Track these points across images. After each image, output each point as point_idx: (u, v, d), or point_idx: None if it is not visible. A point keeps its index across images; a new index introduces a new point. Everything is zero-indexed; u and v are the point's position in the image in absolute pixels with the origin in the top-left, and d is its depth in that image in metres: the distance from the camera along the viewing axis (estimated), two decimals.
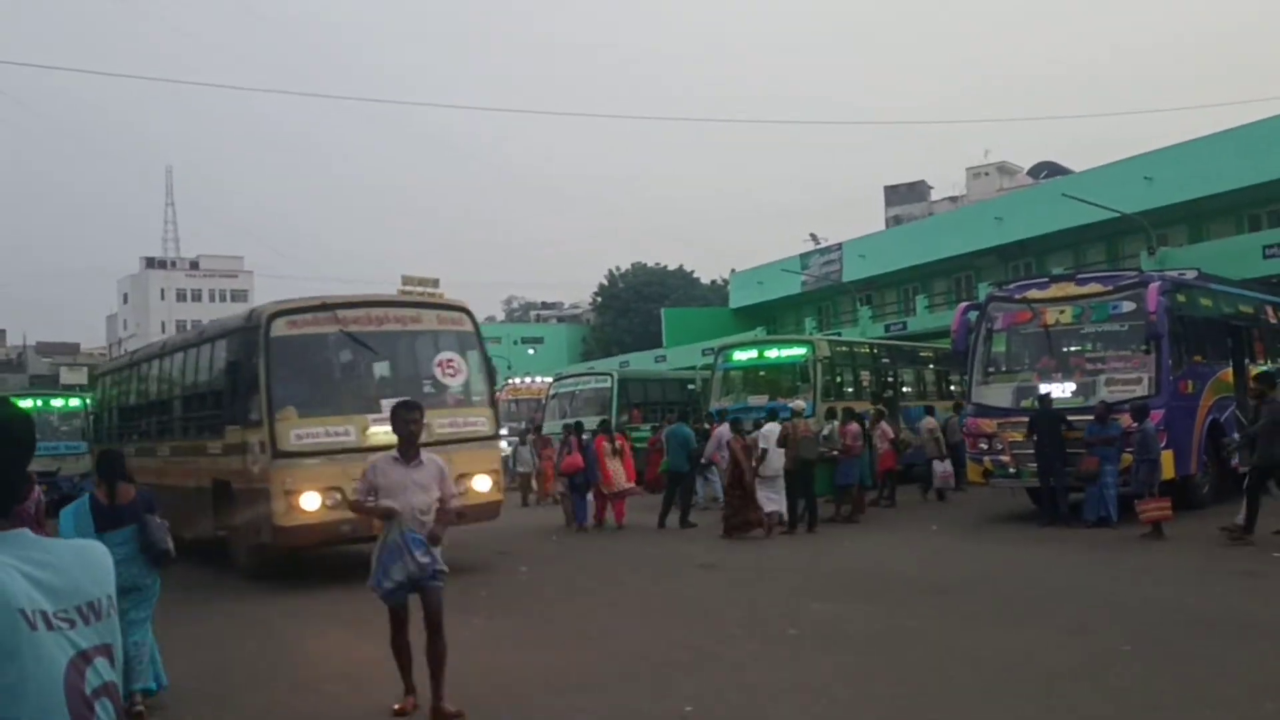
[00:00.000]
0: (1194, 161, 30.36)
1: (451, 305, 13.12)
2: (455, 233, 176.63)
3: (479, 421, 12.42)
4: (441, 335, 12.59)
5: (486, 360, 12.85)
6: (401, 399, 6.72)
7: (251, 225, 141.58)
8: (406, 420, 6.06)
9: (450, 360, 12.41)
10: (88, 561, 1.96)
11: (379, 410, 10.99)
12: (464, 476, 11.19)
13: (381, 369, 12.63)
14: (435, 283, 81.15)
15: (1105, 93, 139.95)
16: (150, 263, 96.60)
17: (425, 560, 5.92)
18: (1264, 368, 15.83)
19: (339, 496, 10.86)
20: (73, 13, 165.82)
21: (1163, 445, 12.91)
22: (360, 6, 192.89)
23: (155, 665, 6.61)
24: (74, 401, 28.02)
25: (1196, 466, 14.12)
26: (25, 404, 27.00)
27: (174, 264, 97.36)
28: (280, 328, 11.53)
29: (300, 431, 11.15)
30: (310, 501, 11.02)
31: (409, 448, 6.05)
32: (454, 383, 12.49)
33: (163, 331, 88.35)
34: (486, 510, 11.95)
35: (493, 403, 13.00)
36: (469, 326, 12.74)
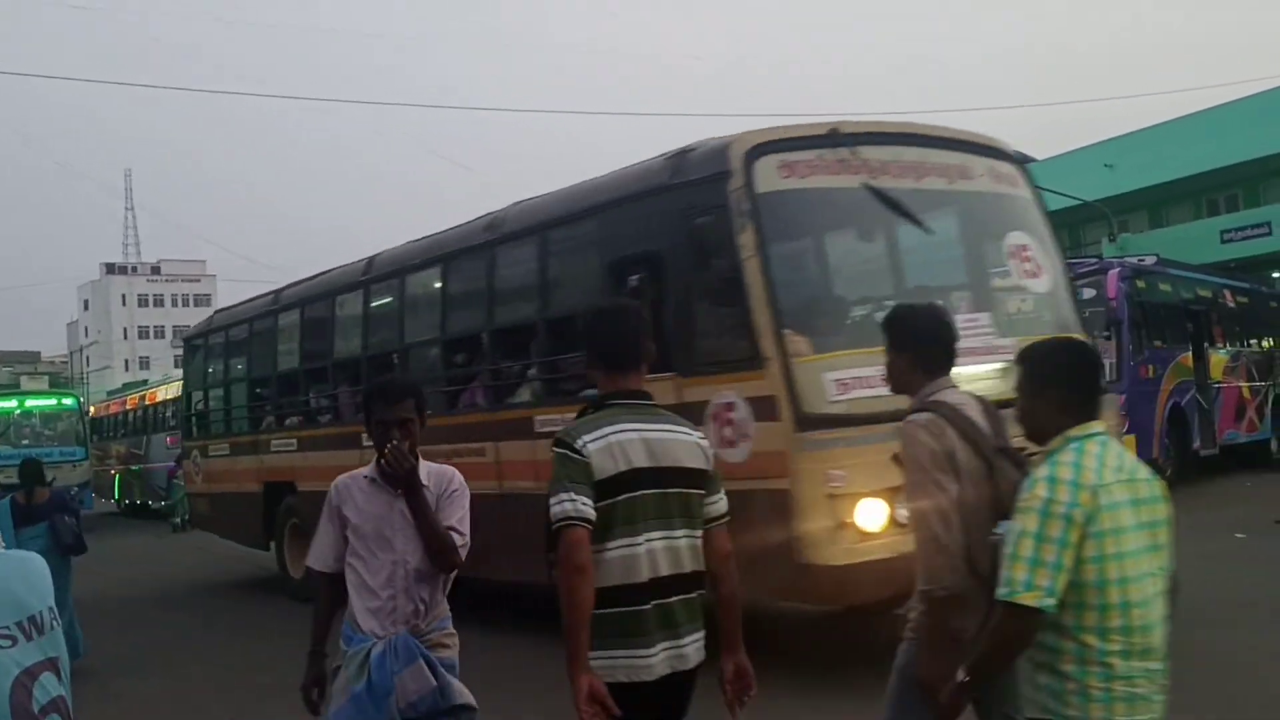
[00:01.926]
0: (1154, 147, 30.64)
1: (1003, 151, 7.55)
2: (418, 231, 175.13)
3: None
4: (1005, 201, 7.29)
5: (1056, 250, 7.50)
6: (383, 379, 4.24)
7: (214, 229, 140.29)
8: (389, 417, 3.36)
9: (1025, 249, 6.99)
10: (26, 574, 1.88)
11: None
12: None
13: (922, 255, 7.06)
14: None
15: (1073, 79, 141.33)
16: (111, 268, 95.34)
17: (429, 688, 3.22)
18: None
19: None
20: (22, 16, 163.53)
21: (1125, 430, 12.98)
22: (347, 7, 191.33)
23: (75, 639, 7.18)
24: (65, 401, 25.16)
25: (1159, 450, 14.24)
26: (4, 404, 24.68)
27: (135, 269, 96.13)
28: (770, 175, 6.20)
29: (840, 376, 5.80)
30: (873, 516, 5.61)
31: (399, 463, 3.29)
32: (1037, 286, 7.06)
33: (125, 338, 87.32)
34: None
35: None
36: (1028, 192, 7.47)
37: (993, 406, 3.23)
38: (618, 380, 2.91)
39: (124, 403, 29.12)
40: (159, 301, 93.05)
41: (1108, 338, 13.82)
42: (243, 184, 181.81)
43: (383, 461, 3.33)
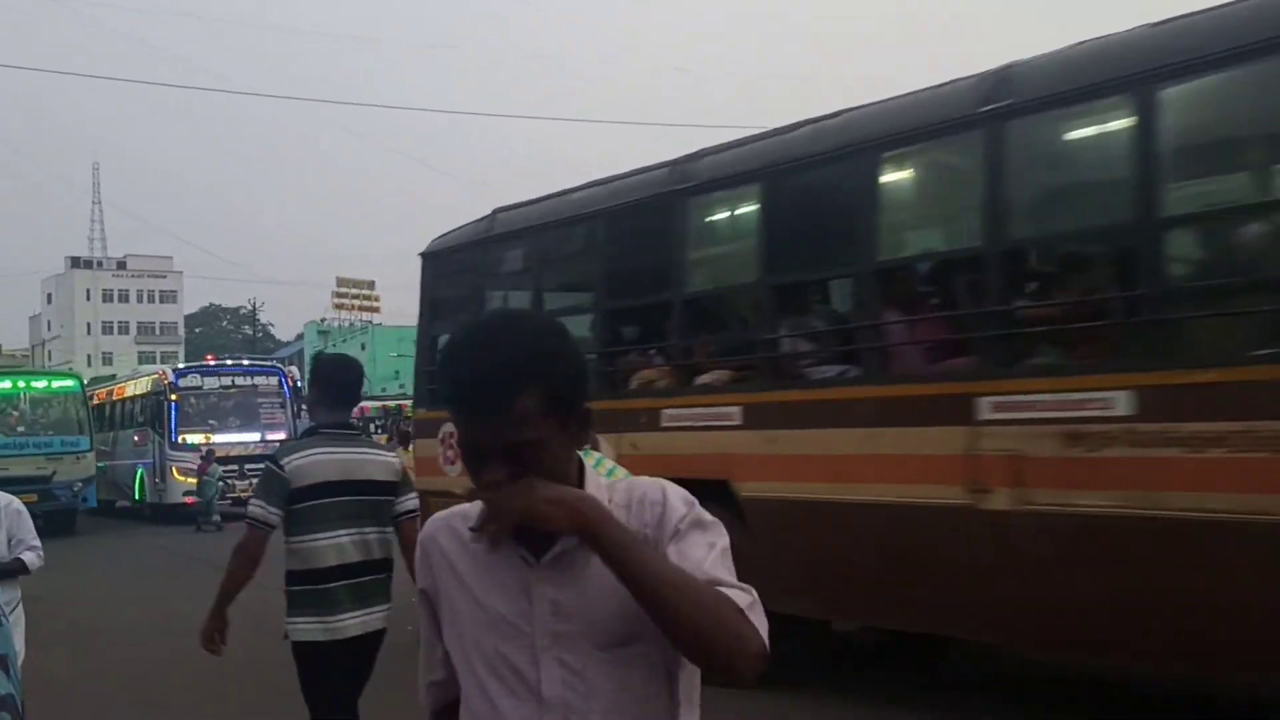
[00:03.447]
0: None
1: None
2: (391, 233, 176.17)
3: None
4: None
5: None
6: (461, 355, 1.47)
7: (180, 224, 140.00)
8: (478, 438, 1.43)
9: None
10: None
11: None
12: None
13: None
14: (371, 284, 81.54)
15: None
16: (75, 262, 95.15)
17: None
18: None
19: None
20: None
21: None
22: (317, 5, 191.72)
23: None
24: (66, 382, 21.20)
25: None
26: (2, 385, 20.13)
27: (100, 264, 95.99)
28: None
29: None
30: None
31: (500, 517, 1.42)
32: None
33: (88, 333, 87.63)
34: None
35: None
36: None
37: None
38: (331, 414, 3.81)
39: (91, 397, 25.08)
40: (124, 297, 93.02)
41: None
42: (212, 181, 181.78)
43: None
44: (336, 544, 3.63)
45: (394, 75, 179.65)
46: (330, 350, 72.83)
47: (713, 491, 5.92)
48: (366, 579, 3.70)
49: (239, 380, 22.29)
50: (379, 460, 3.82)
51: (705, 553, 1.41)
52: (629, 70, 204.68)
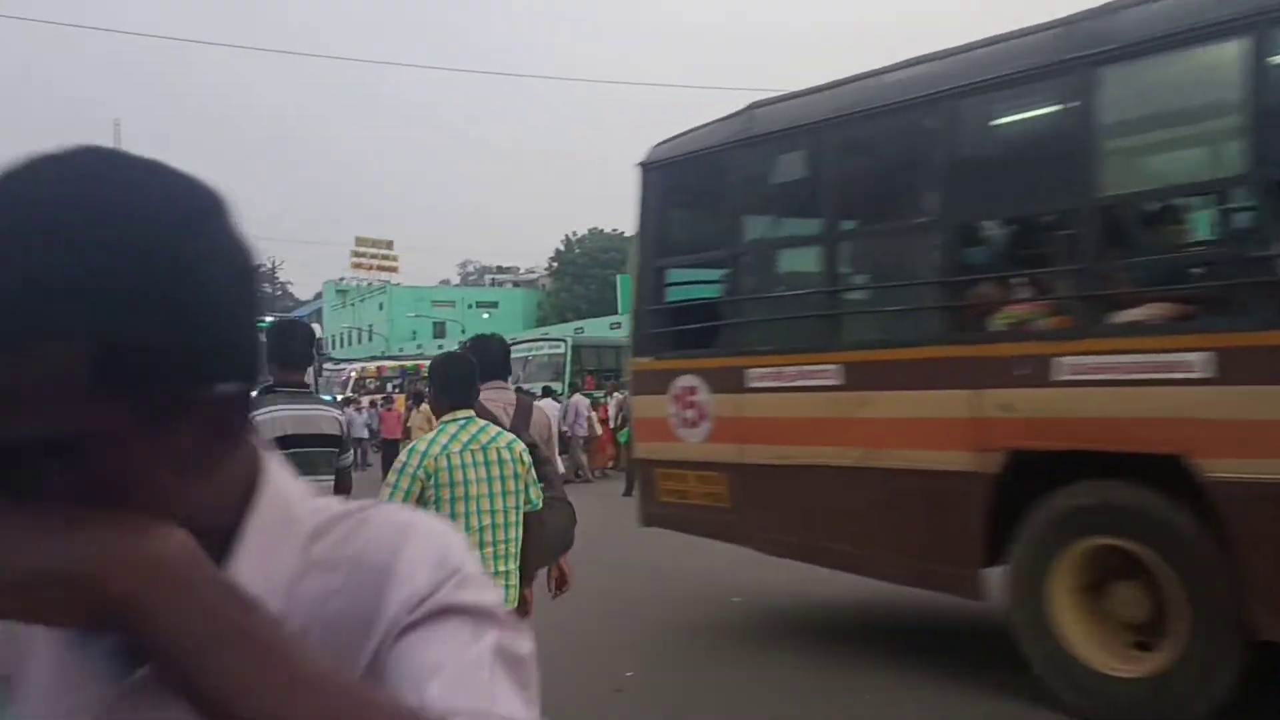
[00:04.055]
0: None
1: None
2: (410, 194, 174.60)
3: None
4: None
5: None
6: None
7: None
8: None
9: None
10: None
11: None
12: None
13: None
14: (389, 245, 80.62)
15: None
16: None
17: None
18: None
19: None
20: None
21: None
22: None
23: None
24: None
25: None
26: None
27: None
28: None
29: None
30: None
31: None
32: None
33: None
34: None
35: None
36: None
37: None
38: (284, 374, 4.33)
39: None
40: None
41: None
42: (231, 138, 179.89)
43: None
44: None
45: (420, 36, 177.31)
46: (349, 309, 72.80)
47: (1153, 470, 4.72)
48: None
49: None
50: (327, 415, 4.43)
51: (448, 660, 0.70)
52: None
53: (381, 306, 74.71)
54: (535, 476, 4.03)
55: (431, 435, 3.87)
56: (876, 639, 6.66)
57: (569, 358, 25.48)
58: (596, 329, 46.26)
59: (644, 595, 8.12)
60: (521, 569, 3.99)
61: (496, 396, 4.59)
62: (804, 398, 6.16)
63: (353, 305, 77.23)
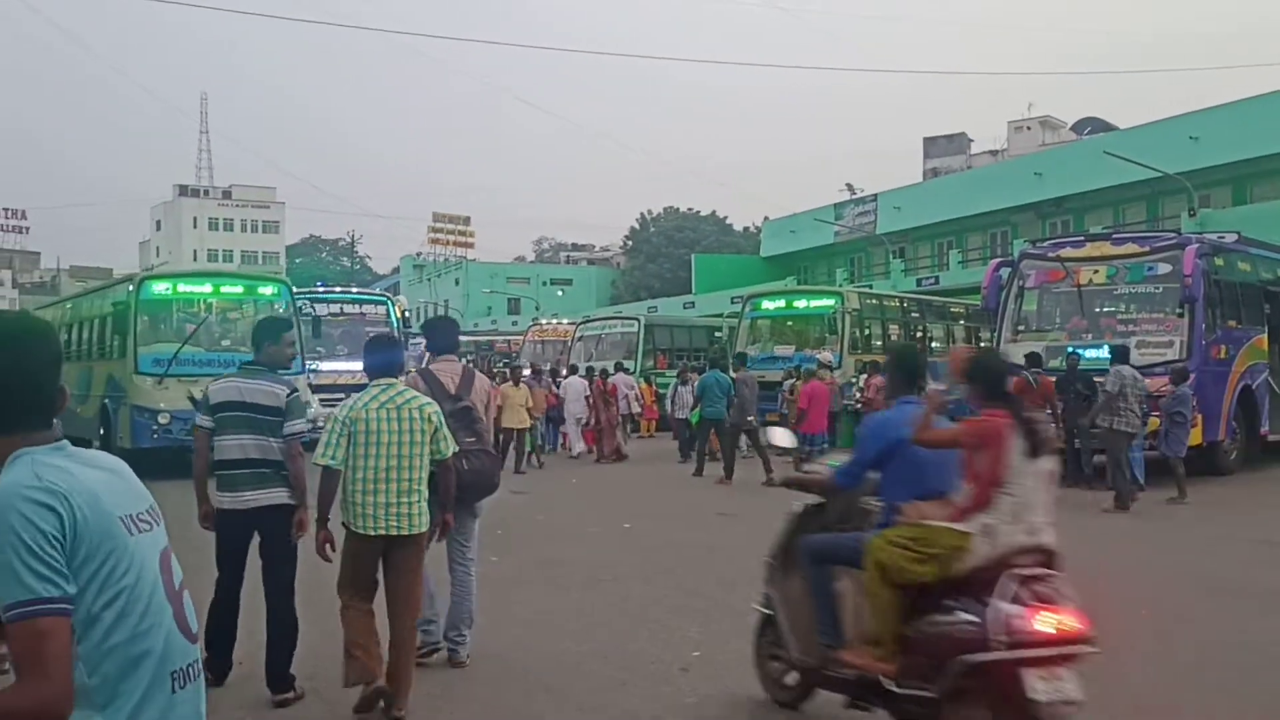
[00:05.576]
0: (1242, 122, 29.58)
1: None
2: (487, 169, 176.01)
3: None
4: None
5: None
6: None
7: (284, 156, 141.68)
8: None
9: None
10: (128, 470, 2.02)
11: None
12: None
13: None
14: (466, 220, 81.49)
15: (1160, 49, 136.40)
16: (184, 190, 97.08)
17: None
18: None
19: None
20: None
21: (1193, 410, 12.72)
22: None
23: None
24: (270, 289, 16.96)
25: (1225, 432, 13.96)
26: (201, 288, 16.26)
27: (207, 193, 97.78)
28: None
29: None
30: None
31: None
32: None
33: (194, 259, 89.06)
34: None
35: None
36: None
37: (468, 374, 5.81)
38: (255, 355, 5.40)
39: None
40: (229, 226, 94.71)
41: (1180, 315, 13.52)
42: (316, 115, 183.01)
43: None
44: (240, 443, 5.17)
45: (498, 9, 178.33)
46: (426, 284, 73.72)
47: None
48: (261, 470, 5.17)
49: (347, 308, 21.60)
50: (267, 390, 5.20)
51: None
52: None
53: (458, 282, 75.57)
54: (446, 433, 5.08)
55: (359, 396, 5.02)
56: None
57: (641, 336, 25.56)
58: (670, 308, 46.35)
59: (711, 579, 8.16)
60: (443, 502, 5.18)
61: (445, 368, 5.85)
62: None
63: (429, 280, 78.25)
